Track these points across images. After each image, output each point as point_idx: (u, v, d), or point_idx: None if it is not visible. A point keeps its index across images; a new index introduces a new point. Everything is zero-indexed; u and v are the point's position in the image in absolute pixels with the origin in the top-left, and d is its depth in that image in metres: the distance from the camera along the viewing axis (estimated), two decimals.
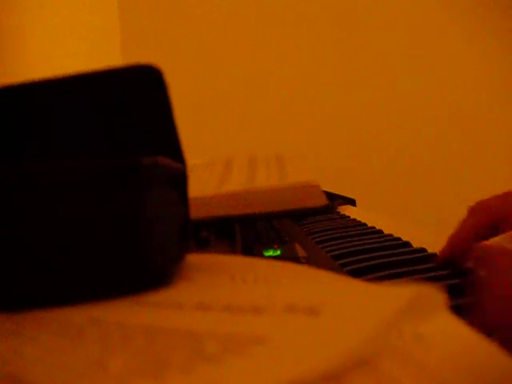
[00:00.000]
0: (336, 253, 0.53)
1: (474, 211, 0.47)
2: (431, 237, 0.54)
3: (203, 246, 0.52)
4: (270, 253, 0.50)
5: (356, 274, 0.45)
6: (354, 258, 0.50)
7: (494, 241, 0.46)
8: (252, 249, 0.53)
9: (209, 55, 1.93)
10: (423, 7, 1.95)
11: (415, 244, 0.56)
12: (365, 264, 0.48)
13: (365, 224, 0.71)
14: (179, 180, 0.31)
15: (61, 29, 1.60)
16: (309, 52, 1.95)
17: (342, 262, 0.50)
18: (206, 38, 1.93)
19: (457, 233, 0.47)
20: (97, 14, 1.81)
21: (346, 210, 0.85)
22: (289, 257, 0.49)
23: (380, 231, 0.64)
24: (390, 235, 0.61)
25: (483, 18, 1.93)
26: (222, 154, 0.87)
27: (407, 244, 0.56)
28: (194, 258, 0.32)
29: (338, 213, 0.83)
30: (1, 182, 0.25)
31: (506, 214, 0.46)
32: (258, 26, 1.94)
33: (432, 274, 0.44)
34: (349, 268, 0.47)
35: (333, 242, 0.58)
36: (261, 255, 0.50)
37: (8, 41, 1.34)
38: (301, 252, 0.51)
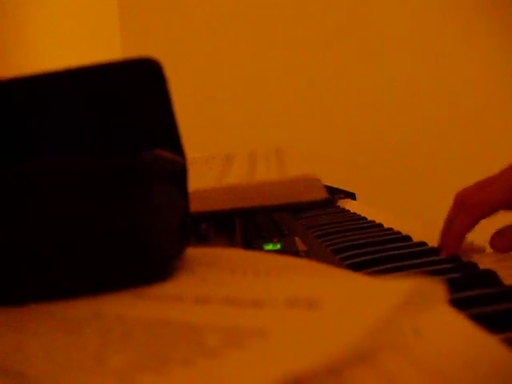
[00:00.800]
0: (336, 247, 0.53)
1: (462, 206, 0.49)
2: (431, 231, 0.54)
3: (203, 239, 0.52)
4: (270, 246, 0.51)
5: (356, 267, 0.46)
6: (354, 252, 0.50)
7: None
8: (252, 242, 0.53)
9: (208, 48, 1.93)
10: (423, 6, 1.95)
11: (415, 238, 0.56)
12: (365, 258, 0.48)
13: (365, 218, 0.71)
14: (179, 174, 0.31)
15: (61, 23, 1.60)
16: (309, 47, 1.94)
17: (341, 255, 0.50)
18: (205, 31, 1.93)
19: (453, 231, 0.49)
20: (96, 8, 1.80)
21: (346, 204, 0.85)
22: (289, 250, 0.49)
23: (380, 225, 0.64)
24: (390, 229, 0.61)
25: (483, 16, 1.92)
26: (221, 147, 0.87)
27: (407, 238, 0.56)
28: (194, 252, 0.32)
29: (338, 207, 0.83)
30: (1, 181, 0.25)
31: (494, 208, 0.48)
32: (258, 21, 1.94)
33: (432, 267, 0.44)
34: (349, 262, 0.47)
35: (333, 236, 0.58)
36: (261, 249, 0.50)
37: (8, 35, 1.34)
38: (301, 246, 0.51)
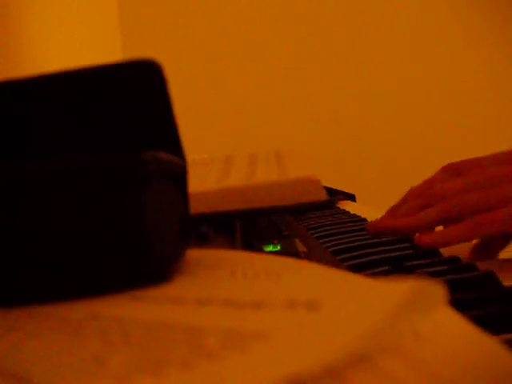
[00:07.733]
0: (336, 248, 0.53)
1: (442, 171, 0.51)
2: None
3: (203, 241, 0.52)
4: (270, 248, 0.50)
5: (356, 269, 0.45)
6: (354, 254, 0.50)
7: None
8: (252, 244, 0.53)
9: (209, 50, 1.93)
10: (424, 7, 1.95)
11: None
12: (365, 259, 0.48)
13: (365, 219, 0.71)
14: (179, 175, 0.31)
15: (61, 25, 1.60)
16: (309, 49, 1.94)
17: (341, 257, 0.50)
18: (206, 33, 1.93)
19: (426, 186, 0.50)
20: (96, 10, 1.80)
21: (346, 206, 0.85)
22: (289, 252, 0.49)
23: None
24: None
25: (484, 16, 1.92)
26: (221, 149, 0.87)
27: (407, 239, 0.56)
28: (194, 254, 0.32)
29: (338, 208, 0.83)
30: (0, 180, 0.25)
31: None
32: (258, 22, 1.94)
33: (432, 269, 0.44)
34: (349, 263, 0.47)
35: (332, 238, 0.58)
36: (261, 250, 0.50)
37: (9, 37, 1.34)
38: (301, 247, 0.51)
